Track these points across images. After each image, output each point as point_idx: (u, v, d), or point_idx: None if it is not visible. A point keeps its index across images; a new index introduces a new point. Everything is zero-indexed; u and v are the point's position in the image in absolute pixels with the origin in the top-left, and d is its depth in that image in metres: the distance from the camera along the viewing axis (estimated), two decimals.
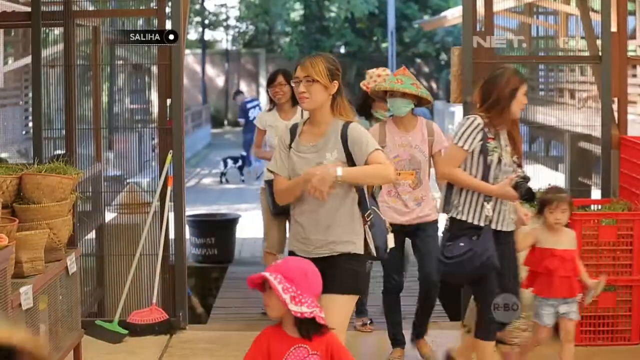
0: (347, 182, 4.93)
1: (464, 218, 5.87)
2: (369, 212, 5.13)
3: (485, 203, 5.84)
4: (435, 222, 6.86)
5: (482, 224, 5.84)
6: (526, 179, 5.77)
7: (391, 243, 5.80)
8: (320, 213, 5.01)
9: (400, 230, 6.60)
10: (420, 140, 6.77)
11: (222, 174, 22.26)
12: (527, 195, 5.72)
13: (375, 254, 5.18)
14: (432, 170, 6.92)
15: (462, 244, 5.83)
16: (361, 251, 5.08)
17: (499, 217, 5.90)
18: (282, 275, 3.82)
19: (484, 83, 5.95)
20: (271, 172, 5.27)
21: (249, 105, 20.90)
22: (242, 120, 21.53)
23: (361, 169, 4.96)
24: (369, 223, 5.12)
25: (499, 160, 5.82)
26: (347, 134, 5.01)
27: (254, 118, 19.91)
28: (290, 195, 5.11)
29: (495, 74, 5.92)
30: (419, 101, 6.79)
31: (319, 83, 5.00)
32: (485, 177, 5.83)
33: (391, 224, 6.25)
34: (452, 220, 5.96)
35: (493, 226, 5.88)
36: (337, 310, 4.89)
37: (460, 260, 5.80)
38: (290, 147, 5.15)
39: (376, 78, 7.50)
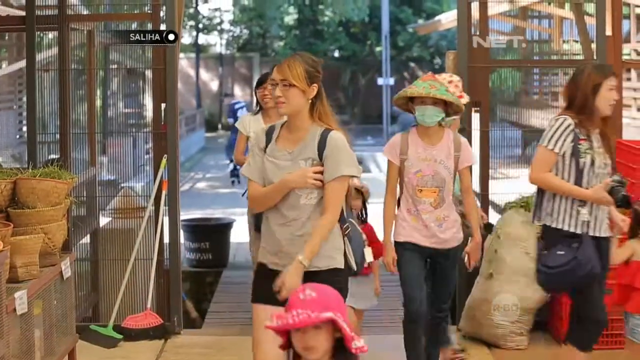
0: (310, 259, 4.67)
1: (559, 226, 5.62)
2: (346, 225, 4.92)
3: (579, 208, 5.56)
4: (457, 248, 6.17)
5: (578, 231, 5.56)
6: (622, 183, 5.48)
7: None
8: (298, 225, 4.78)
9: (422, 251, 6.08)
10: (445, 155, 6.02)
11: (234, 175, 22.01)
12: (622, 201, 5.43)
13: (354, 269, 4.98)
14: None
15: (561, 252, 5.55)
16: (342, 265, 4.85)
17: (596, 223, 5.63)
18: (338, 312, 3.27)
19: (568, 82, 5.76)
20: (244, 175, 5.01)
21: (236, 107, 21.00)
22: (231, 121, 21.66)
23: (317, 241, 4.69)
24: (346, 236, 4.91)
25: (592, 163, 5.57)
26: (326, 142, 4.76)
27: None
28: (265, 203, 4.85)
29: (577, 71, 5.72)
30: (446, 112, 6.06)
31: (297, 87, 4.72)
32: (578, 181, 5.57)
33: (411, 243, 6.03)
34: (545, 228, 5.69)
35: (591, 232, 5.60)
36: None
37: (564, 269, 5.52)
38: (265, 151, 4.88)
39: (448, 85, 6.62)
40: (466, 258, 6.24)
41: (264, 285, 4.79)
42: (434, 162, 5.99)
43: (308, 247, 4.68)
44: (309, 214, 4.77)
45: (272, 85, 4.80)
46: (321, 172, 4.73)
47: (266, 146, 4.88)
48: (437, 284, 6.24)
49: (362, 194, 6.56)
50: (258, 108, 7.85)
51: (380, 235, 6.49)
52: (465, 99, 6.73)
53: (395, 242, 6.10)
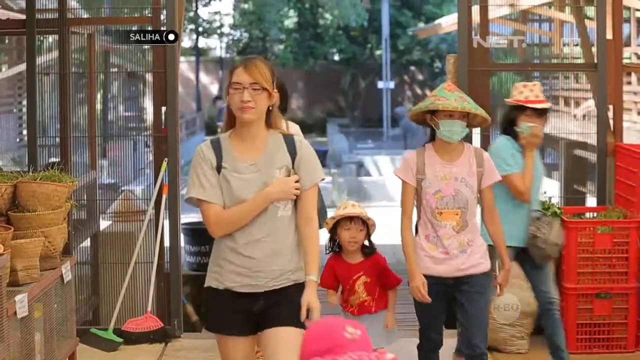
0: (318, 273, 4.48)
1: None
2: None
3: None
4: (486, 274, 5.54)
5: None
6: None
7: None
8: (276, 239, 4.43)
9: (441, 283, 5.47)
10: (467, 172, 5.44)
11: None
12: None
13: None
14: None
15: None
16: None
17: None
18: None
19: None
20: (190, 200, 4.53)
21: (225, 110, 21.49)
22: (221, 123, 22.16)
23: (318, 254, 4.47)
24: None
25: None
26: (295, 148, 4.49)
27: None
28: (239, 223, 4.42)
29: None
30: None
31: (266, 91, 4.38)
32: None
33: (430, 277, 5.43)
34: None
35: None
36: (297, 345, 4.49)
37: None
38: (219, 168, 4.44)
39: (523, 89, 6.38)
40: (498, 289, 5.72)
41: (235, 313, 4.51)
42: (455, 180, 5.43)
43: (313, 263, 4.44)
44: (285, 226, 4.47)
45: (235, 90, 4.37)
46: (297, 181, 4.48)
47: (219, 163, 4.45)
48: (466, 314, 5.54)
49: (367, 227, 5.90)
50: None
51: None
52: (548, 104, 6.42)
53: None
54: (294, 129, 6.42)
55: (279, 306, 4.45)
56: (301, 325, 4.38)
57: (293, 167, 4.48)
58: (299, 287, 4.45)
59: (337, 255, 5.95)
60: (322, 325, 2.92)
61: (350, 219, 5.83)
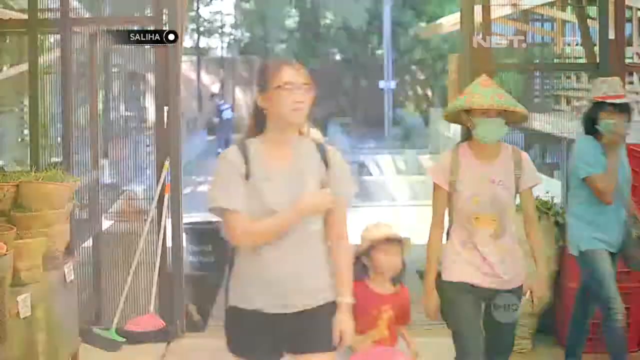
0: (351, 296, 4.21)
1: None
2: None
3: None
4: (520, 288, 5.16)
5: None
6: None
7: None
8: (305, 257, 4.12)
9: (479, 293, 5.09)
10: (504, 174, 5.01)
11: None
12: None
13: None
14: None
15: None
16: None
17: None
18: None
19: None
20: (214, 210, 4.24)
21: (222, 108, 21.79)
22: (217, 120, 22.48)
23: (350, 275, 4.21)
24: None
25: None
26: (327, 158, 4.23)
27: (227, 119, 20.60)
28: (272, 236, 4.08)
29: None
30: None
31: (312, 93, 4.13)
32: None
33: (466, 284, 5.07)
34: None
35: None
36: None
37: None
38: (248, 175, 4.11)
39: (601, 85, 6.16)
40: (528, 294, 5.22)
41: (263, 335, 4.17)
42: (491, 182, 5.00)
43: (347, 284, 4.19)
44: (315, 241, 4.17)
45: (288, 90, 4.05)
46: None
47: (247, 170, 4.12)
48: (494, 332, 5.20)
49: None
50: None
51: None
52: (625, 99, 6.17)
53: (446, 282, 5.12)
54: (316, 134, 6.19)
55: (310, 329, 4.17)
56: (334, 348, 4.18)
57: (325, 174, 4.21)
58: (331, 307, 4.18)
59: (360, 281, 5.08)
60: (372, 358, 2.84)
61: (390, 240, 5.16)
